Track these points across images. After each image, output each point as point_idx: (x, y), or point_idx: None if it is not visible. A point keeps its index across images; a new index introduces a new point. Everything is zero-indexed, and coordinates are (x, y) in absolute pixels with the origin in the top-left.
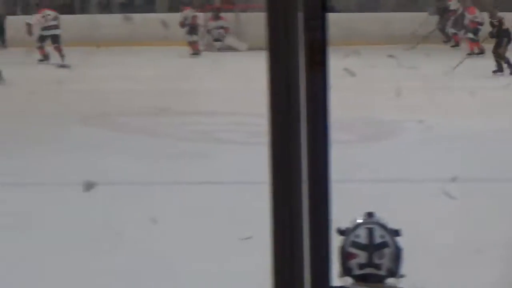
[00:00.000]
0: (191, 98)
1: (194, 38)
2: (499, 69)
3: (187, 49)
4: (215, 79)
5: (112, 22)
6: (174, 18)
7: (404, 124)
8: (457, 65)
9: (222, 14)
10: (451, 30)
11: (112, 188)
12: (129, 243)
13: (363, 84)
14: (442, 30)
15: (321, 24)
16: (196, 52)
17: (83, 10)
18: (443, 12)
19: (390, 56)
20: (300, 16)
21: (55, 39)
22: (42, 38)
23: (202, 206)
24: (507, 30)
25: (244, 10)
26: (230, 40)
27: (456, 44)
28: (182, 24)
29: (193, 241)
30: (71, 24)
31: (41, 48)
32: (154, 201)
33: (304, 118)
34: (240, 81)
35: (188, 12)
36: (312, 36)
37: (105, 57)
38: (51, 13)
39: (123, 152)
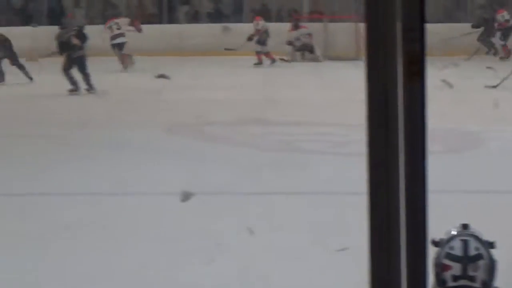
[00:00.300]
0: (274, 108)
1: (259, 48)
2: None
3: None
4: (298, 89)
5: (199, 32)
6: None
7: (493, 134)
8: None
9: (306, 24)
10: (500, 42)
11: (207, 198)
12: (229, 254)
13: (459, 95)
14: (485, 41)
15: (419, 35)
16: (258, 63)
17: (171, 20)
18: (487, 23)
19: (489, 67)
20: (399, 26)
21: (120, 47)
22: (113, 47)
23: (295, 216)
24: None
25: (332, 20)
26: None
27: (506, 56)
28: (251, 37)
29: (288, 251)
30: (158, 34)
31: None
32: (249, 211)
33: (402, 129)
34: (324, 91)
35: (258, 22)
36: (410, 47)
37: (192, 67)
38: (120, 21)
39: (213, 161)
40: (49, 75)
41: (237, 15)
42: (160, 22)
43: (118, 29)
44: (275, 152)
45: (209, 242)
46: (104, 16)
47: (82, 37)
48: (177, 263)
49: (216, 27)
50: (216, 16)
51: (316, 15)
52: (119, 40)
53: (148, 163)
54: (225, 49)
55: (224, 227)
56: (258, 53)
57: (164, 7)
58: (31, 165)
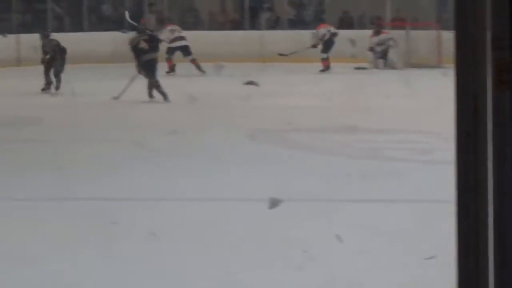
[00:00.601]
0: (358, 115)
1: (323, 55)
2: None
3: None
4: (381, 96)
5: (280, 38)
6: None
7: None
8: None
9: (388, 31)
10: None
11: (294, 204)
12: (317, 261)
13: None
14: None
15: (509, 43)
16: (324, 69)
17: (253, 27)
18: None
19: None
20: (488, 35)
21: (185, 50)
22: (172, 50)
23: (382, 224)
24: None
25: (414, 28)
26: (391, 57)
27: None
28: (315, 45)
29: (377, 259)
30: (240, 40)
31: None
32: (338, 218)
33: (490, 137)
34: (407, 98)
35: (323, 29)
36: (500, 55)
37: (274, 73)
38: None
39: (299, 168)
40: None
41: (318, 22)
42: (242, 28)
43: (179, 32)
44: (361, 159)
45: (296, 250)
46: (183, 21)
47: (153, 41)
48: (263, 270)
49: (298, 33)
50: (298, 23)
51: (398, 22)
52: (178, 44)
53: (232, 169)
54: (279, 54)
55: (312, 234)
56: (323, 60)
57: (246, 13)
58: (116, 170)
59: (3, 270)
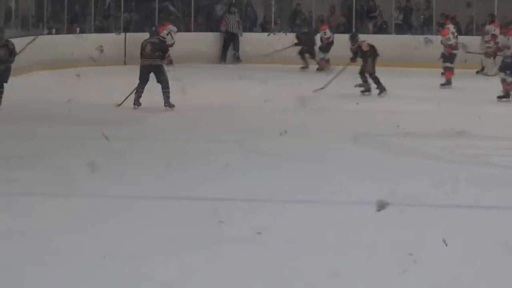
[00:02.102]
0: (463, 121)
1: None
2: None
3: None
4: (488, 102)
5: (387, 42)
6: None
7: None
8: None
9: None
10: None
11: (401, 208)
12: (422, 265)
13: None
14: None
15: None
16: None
17: (360, 30)
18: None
19: None
20: None
21: None
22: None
23: (492, 230)
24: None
25: None
26: None
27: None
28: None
29: (483, 264)
30: (345, 43)
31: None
32: (446, 223)
33: None
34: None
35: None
36: None
37: (381, 77)
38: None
39: (404, 172)
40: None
41: (426, 26)
42: (348, 32)
43: None
44: (465, 165)
45: (402, 252)
46: (292, 25)
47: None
48: (368, 272)
49: (404, 38)
50: (405, 28)
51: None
52: None
53: (336, 171)
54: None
55: (418, 237)
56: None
57: (353, 17)
58: (220, 170)
59: (113, 268)
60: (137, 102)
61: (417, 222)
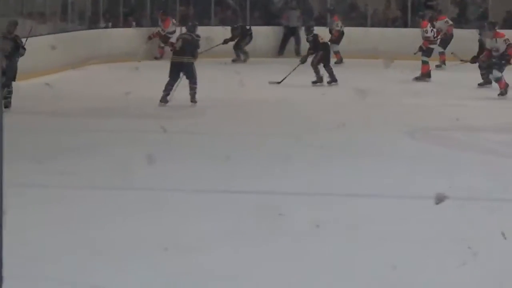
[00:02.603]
0: None
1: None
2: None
3: None
4: None
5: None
6: None
7: None
8: None
9: None
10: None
11: (459, 202)
12: (482, 258)
13: None
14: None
15: None
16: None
17: (415, 24)
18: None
19: None
20: None
21: None
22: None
23: None
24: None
25: None
26: None
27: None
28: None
29: None
30: (399, 37)
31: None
32: (503, 216)
33: None
34: None
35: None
36: None
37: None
38: None
39: (461, 166)
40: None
41: (479, 21)
42: (404, 26)
43: None
44: None
45: (461, 245)
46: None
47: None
48: (428, 265)
49: (461, 33)
50: (460, 22)
51: None
52: None
53: (393, 166)
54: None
55: (476, 231)
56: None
57: (408, 11)
58: (278, 163)
59: (173, 260)
60: (164, 100)
61: (475, 216)
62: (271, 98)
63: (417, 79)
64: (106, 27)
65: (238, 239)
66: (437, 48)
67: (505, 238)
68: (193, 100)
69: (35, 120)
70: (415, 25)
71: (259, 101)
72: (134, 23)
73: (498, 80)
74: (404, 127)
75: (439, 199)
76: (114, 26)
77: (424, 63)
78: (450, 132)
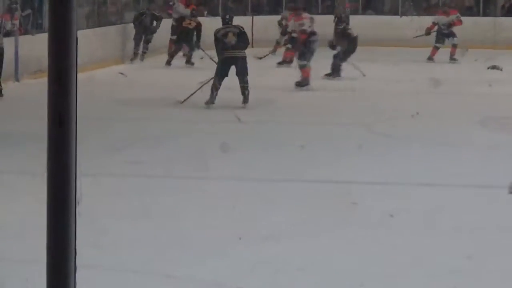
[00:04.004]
0: None
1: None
2: None
3: None
4: None
5: None
6: None
7: None
8: None
9: None
10: None
11: None
12: None
13: None
14: None
15: None
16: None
17: (486, 13)
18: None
19: None
20: None
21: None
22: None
23: None
24: None
25: None
26: None
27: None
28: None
29: None
30: (472, 26)
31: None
32: None
33: None
34: None
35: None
36: None
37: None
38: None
39: None
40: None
41: None
42: (477, 15)
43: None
44: None
45: None
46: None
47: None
48: (502, 254)
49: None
50: None
51: None
52: None
53: (466, 155)
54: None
55: None
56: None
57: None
58: (351, 153)
59: (249, 249)
60: (211, 101)
61: None
62: (343, 86)
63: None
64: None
65: (312, 228)
66: None
67: None
68: (246, 100)
69: (110, 110)
70: (487, 13)
71: (332, 89)
72: (205, 12)
73: None
74: (477, 116)
75: None
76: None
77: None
78: None
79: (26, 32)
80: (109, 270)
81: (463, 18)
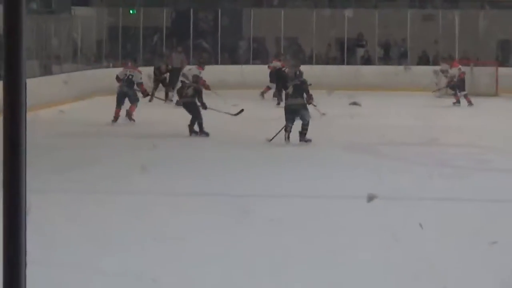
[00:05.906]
0: (436, 133)
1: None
2: None
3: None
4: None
5: (371, 72)
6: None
7: None
8: None
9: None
10: None
11: (386, 201)
12: (400, 243)
13: None
14: None
15: None
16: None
17: (349, 62)
18: None
19: None
20: None
21: None
22: None
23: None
24: None
25: (476, 65)
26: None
27: None
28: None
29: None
30: (337, 73)
31: None
32: (422, 211)
33: None
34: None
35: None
36: None
37: (367, 100)
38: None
39: (391, 171)
40: None
41: (403, 59)
42: (341, 63)
43: None
44: (437, 166)
45: (385, 232)
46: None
47: None
48: (359, 251)
49: (387, 68)
50: (386, 60)
51: (465, 61)
52: None
53: (333, 172)
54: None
55: (399, 222)
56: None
57: (344, 51)
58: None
59: (159, 247)
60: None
61: (400, 210)
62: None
63: None
64: (108, 66)
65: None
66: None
67: (422, 228)
68: (302, 139)
69: (53, 140)
70: (350, 62)
71: None
72: (129, 63)
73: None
74: (343, 142)
75: (370, 198)
76: (114, 66)
77: None
78: (379, 146)
79: None
80: (52, 267)
81: (329, 67)
